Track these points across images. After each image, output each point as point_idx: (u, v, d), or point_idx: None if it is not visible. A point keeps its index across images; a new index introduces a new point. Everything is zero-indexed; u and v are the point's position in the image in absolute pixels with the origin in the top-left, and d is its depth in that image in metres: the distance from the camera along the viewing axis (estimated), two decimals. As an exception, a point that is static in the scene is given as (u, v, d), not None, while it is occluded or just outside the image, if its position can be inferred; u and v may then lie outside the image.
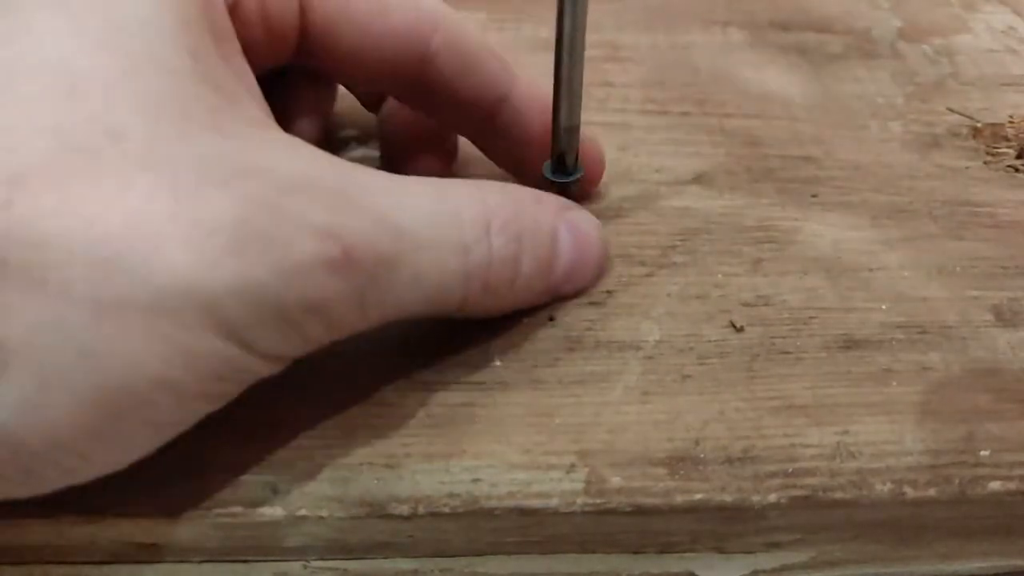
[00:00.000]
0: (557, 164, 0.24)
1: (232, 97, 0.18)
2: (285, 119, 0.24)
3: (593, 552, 0.20)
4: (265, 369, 0.17)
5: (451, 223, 0.19)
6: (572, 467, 0.19)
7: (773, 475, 0.19)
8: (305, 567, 0.20)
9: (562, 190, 0.24)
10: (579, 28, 0.21)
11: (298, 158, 0.18)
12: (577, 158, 0.24)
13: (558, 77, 0.22)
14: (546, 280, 0.22)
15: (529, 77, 0.24)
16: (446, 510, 0.18)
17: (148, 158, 0.16)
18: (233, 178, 0.16)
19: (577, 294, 0.23)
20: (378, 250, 0.17)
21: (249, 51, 0.20)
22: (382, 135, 0.27)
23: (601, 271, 0.23)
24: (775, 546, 0.20)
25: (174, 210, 0.15)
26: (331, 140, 0.28)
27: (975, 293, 0.24)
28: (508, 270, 0.20)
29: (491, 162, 0.26)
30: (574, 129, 0.23)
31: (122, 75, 0.16)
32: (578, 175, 0.24)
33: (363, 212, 0.18)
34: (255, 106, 0.19)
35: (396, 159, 0.26)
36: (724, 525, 0.19)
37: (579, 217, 0.23)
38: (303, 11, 0.22)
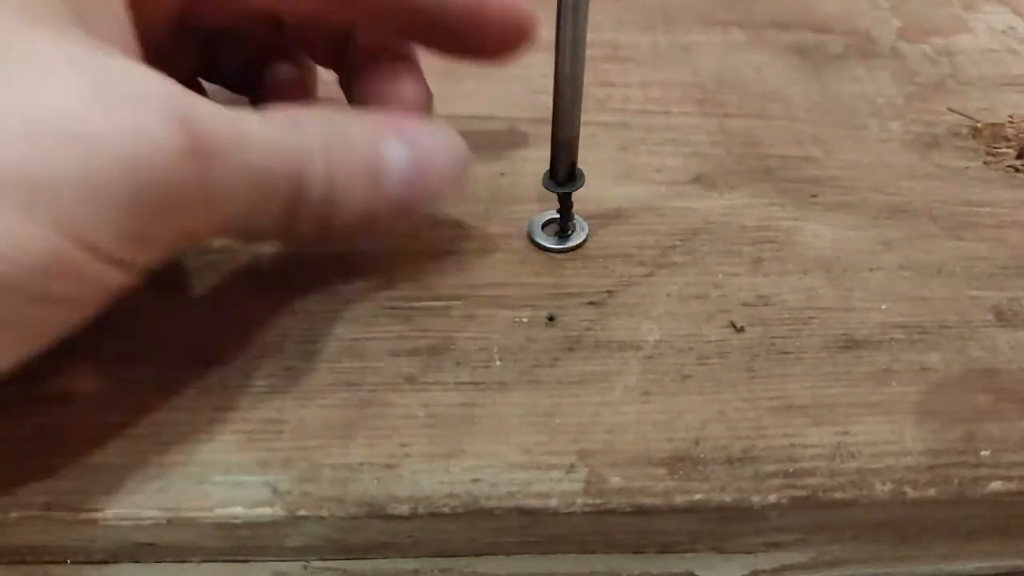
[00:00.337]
0: (554, 173, 0.24)
1: (92, 24, 0.18)
2: (268, 101, 0.25)
3: (593, 552, 0.20)
4: (111, 276, 0.17)
5: (283, 137, 0.19)
6: (572, 467, 0.19)
7: (773, 475, 0.19)
8: (305, 567, 0.20)
9: (563, 200, 0.24)
10: (579, 40, 0.21)
11: (143, 65, 0.17)
12: (575, 167, 0.24)
13: (557, 90, 0.22)
14: (375, 196, 0.21)
15: None
16: (446, 510, 0.18)
17: None
18: (74, 70, 0.16)
19: (434, 205, 0.23)
20: (226, 142, 0.17)
21: None
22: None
23: (457, 178, 0.23)
24: (775, 546, 0.20)
25: (6, 101, 0.15)
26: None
27: (975, 293, 0.24)
28: (327, 189, 0.20)
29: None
30: (573, 140, 0.23)
31: None
32: (577, 186, 0.24)
33: (212, 108, 0.17)
34: (118, 36, 0.19)
35: None
36: (724, 525, 0.19)
37: (417, 129, 0.22)
38: None
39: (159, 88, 0.17)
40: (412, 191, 0.22)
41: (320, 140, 0.20)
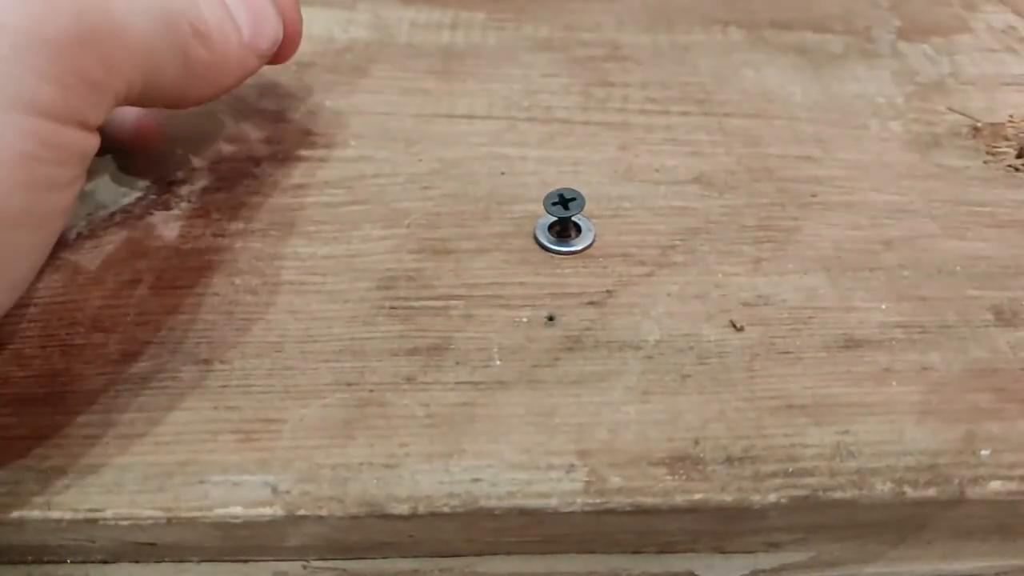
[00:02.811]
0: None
1: None
2: None
3: (593, 552, 0.20)
4: (79, 139, 0.18)
5: None
6: (572, 467, 0.19)
7: (773, 475, 0.19)
8: (305, 567, 0.20)
9: (563, 224, 0.25)
10: None
11: None
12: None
13: None
14: (239, 43, 0.24)
15: None
16: (446, 510, 0.18)
17: None
18: None
19: (279, 58, 0.25)
20: None
21: None
22: None
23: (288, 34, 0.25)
24: (775, 546, 0.20)
25: None
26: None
27: (975, 293, 0.24)
28: (209, 36, 0.22)
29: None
30: None
31: None
32: (575, 211, 0.24)
33: None
34: None
35: None
36: (724, 525, 0.19)
37: None
38: None
39: None
40: (257, 37, 0.24)
41: None
